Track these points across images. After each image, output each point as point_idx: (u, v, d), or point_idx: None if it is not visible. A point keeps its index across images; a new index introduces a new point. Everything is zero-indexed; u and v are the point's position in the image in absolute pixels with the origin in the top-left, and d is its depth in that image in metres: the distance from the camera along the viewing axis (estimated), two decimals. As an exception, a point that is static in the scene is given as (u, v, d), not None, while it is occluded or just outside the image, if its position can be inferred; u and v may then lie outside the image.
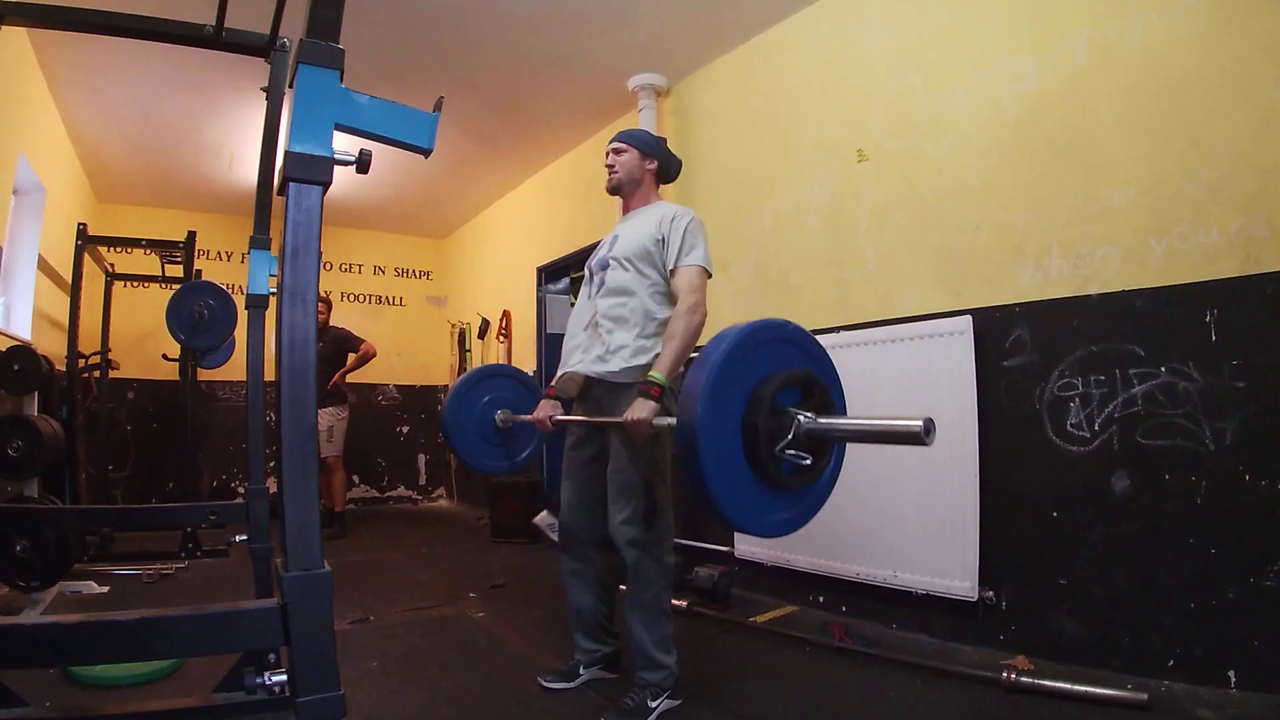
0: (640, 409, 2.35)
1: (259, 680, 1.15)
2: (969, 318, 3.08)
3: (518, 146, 6.18)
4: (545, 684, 2.77)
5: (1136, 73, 2.70)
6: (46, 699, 2.54)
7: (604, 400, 2.68)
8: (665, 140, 2.94)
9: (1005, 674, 2.60)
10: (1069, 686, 2.51)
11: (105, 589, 4.17)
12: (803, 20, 4.08)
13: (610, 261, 2.72)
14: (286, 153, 1.13)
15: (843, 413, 1.95)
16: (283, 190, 1.18)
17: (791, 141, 4.07)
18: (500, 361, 7.13)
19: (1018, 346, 2.98)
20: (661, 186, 2.92)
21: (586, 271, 2.86)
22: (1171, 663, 2.53)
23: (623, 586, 2.71)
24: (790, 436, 1.73)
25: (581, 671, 2.81)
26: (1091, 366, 2.76)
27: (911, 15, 3.49)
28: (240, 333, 4.91)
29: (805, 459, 1.78)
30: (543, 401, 2.94)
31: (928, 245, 3.34)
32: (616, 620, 2.86)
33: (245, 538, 2.68)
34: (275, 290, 2.59)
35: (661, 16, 4.17)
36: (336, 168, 1.19)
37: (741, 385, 1.73)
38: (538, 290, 6.63)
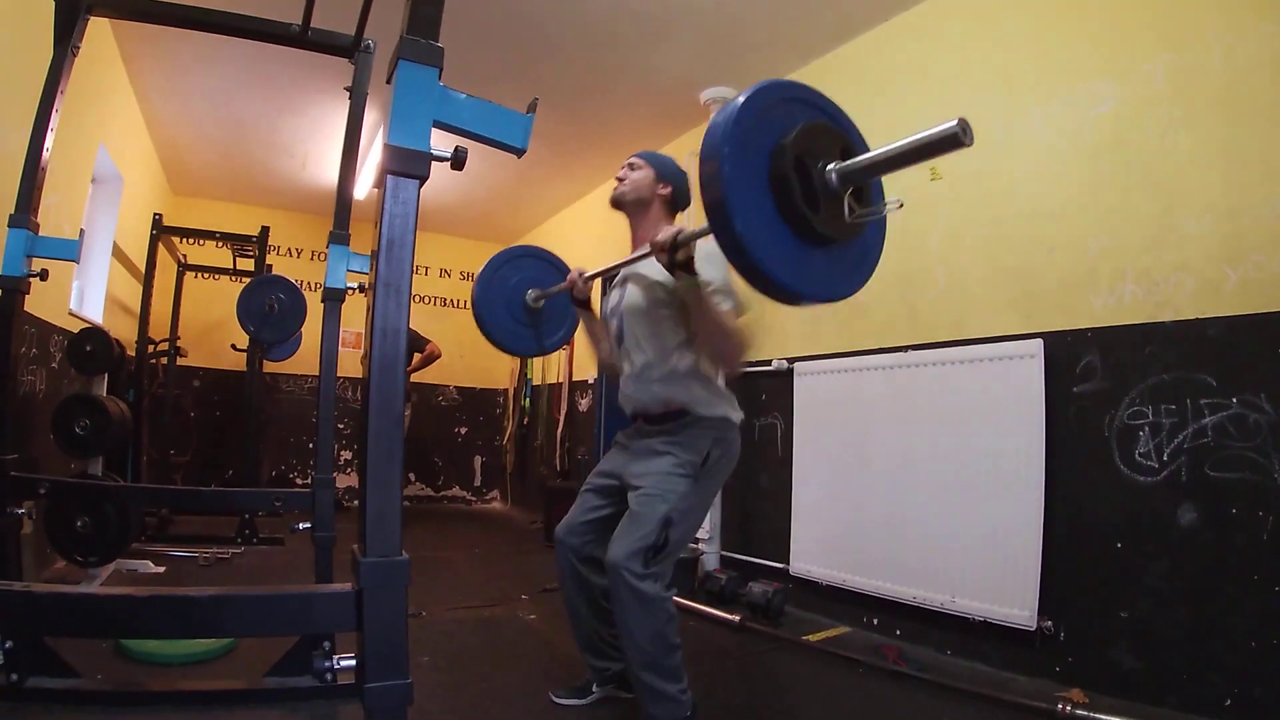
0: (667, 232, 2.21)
1: (328, 664, 1.21)
2: (1040, 341, 3.11)
3: (588, 155, 6.35)
4: (556, 699, 2.75)
5: (1214, 99, 2.73)
6: (99, 672, 2.66)
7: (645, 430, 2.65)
8: (687, 176, 2.80)
9: (1060, 705, 2.61)
10: (1121, 720, 2.51)
11: (161, 569, 4.38)
12: (878, 37, 4.18)
13: (625, 315, 2.67)
14: (386, 146, 1.19)
15: None
16: (378, 184, 1.25)
17: (864, 158, 4.13)
18: (561, 370, 7.30)
19: (1089, 372, 3.00)
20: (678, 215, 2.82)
21: (603, 311, 2.85)
22: (1229, 702, 2.52)
23: None
24: (821, 185, 1.66)
25: (595, 689, 2.77)
26: (1162, 395, 2.77)
27: (990, 35, 3.56)
28: (307, 328, 5.17)
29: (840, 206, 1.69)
30: (572, 271, 2.87)
31: (1000, 266, 3.39)
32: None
33: (309, 525, 2.83)
34: (352, 285, 2.78)
35: (736, 30, 4.30)
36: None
37: (762, 142, 1.65)
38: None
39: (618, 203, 2.77)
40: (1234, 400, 2.60)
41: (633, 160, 2.77)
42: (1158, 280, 2.83)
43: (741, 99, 1.64)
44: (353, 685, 2.57)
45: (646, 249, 2.39)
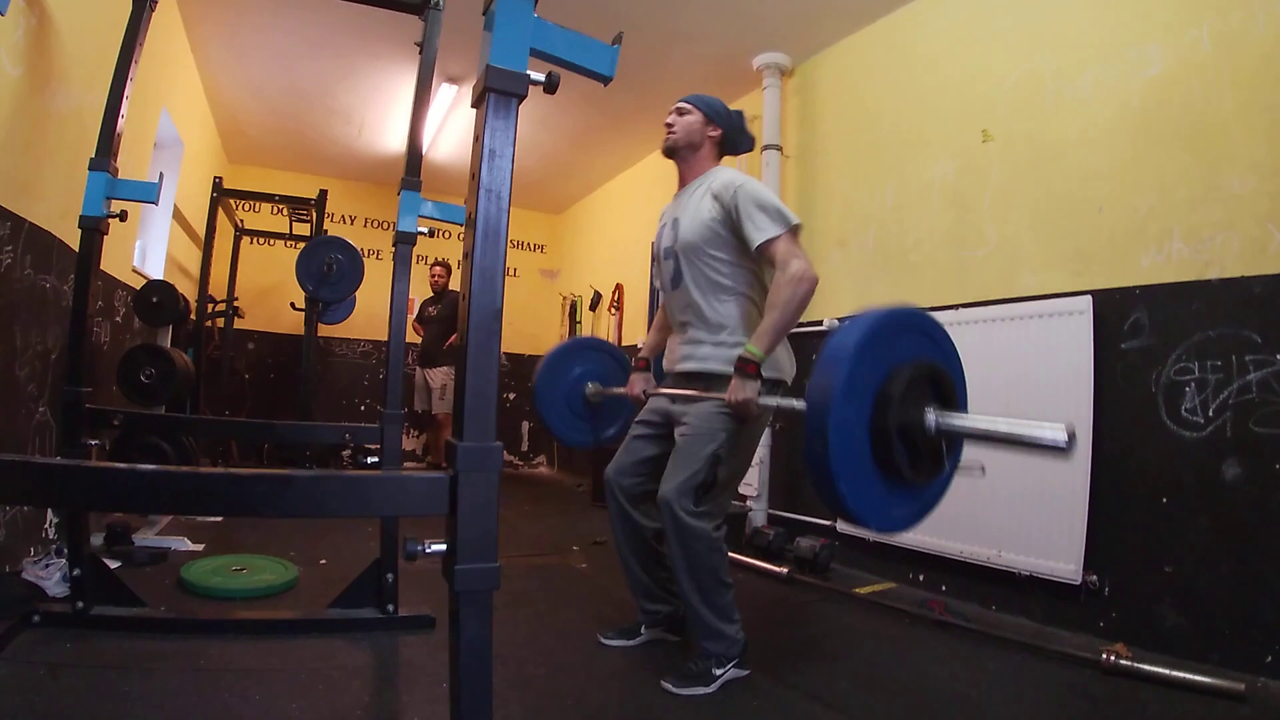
0: (743, 389, 2.35)
1: (420, 548, 1.32)
2: (1089, 298, 3.19)
3: (641, 122, 6.39)
4: (604, 640, 2.84)
5: (1259, 63, 2.78)
6: (162, 604, 2.87)
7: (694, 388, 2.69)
8: (742, 115, 2.87)
9: (1104, 655, 2.68)
10: (1166, 672, 2.57)
11: (219, 518, 4.59)
12: (932, 2, 4.25)
13: (675, 254, 2.71)
14: (488, 67, 1.29)
15: (963, 406, 1.90)
16: (478, 103, 1.34)
17: (915, 122, 4.25)
18: (611, 333, 7.46)
19: (1136, 329, 3.07)
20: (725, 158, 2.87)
21: (655, 248, 2.89)
22: (1270, 659, 2.58)
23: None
24: (919, 431, 1.68)
25: (643, 631, 2.86)
26: (1208, 352, 2.84)
27: (1041, 1, 3.62)
28: (361, 292, 5.37)
29: (933, 454, 1.72)
30: (634, 375, 3.02)
31: (1050, 226, 3.47)
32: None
33: (376, 460, 3.04)
34: (423, 230, 2.96)
35: (789, -3, 4.37)
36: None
37: (872, 377, 1.68)
38: (652, 265, 6.86)
39: (670, 151, 2.81)
40: (1278, 357, 2.65)
41: (680, 105, 2.80)
42: (1204, 239, 2.89)
43: (860, 334, 1.66)
44: (414, 616, 2.78)
45: (693, 201, 2.64)
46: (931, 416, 1.70)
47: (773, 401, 2.32)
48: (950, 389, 1.80)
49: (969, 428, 1.71)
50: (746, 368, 2.36)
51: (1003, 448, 1.69)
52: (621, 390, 3.07)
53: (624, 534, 2.81)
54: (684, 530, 2.44)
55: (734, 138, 2.82)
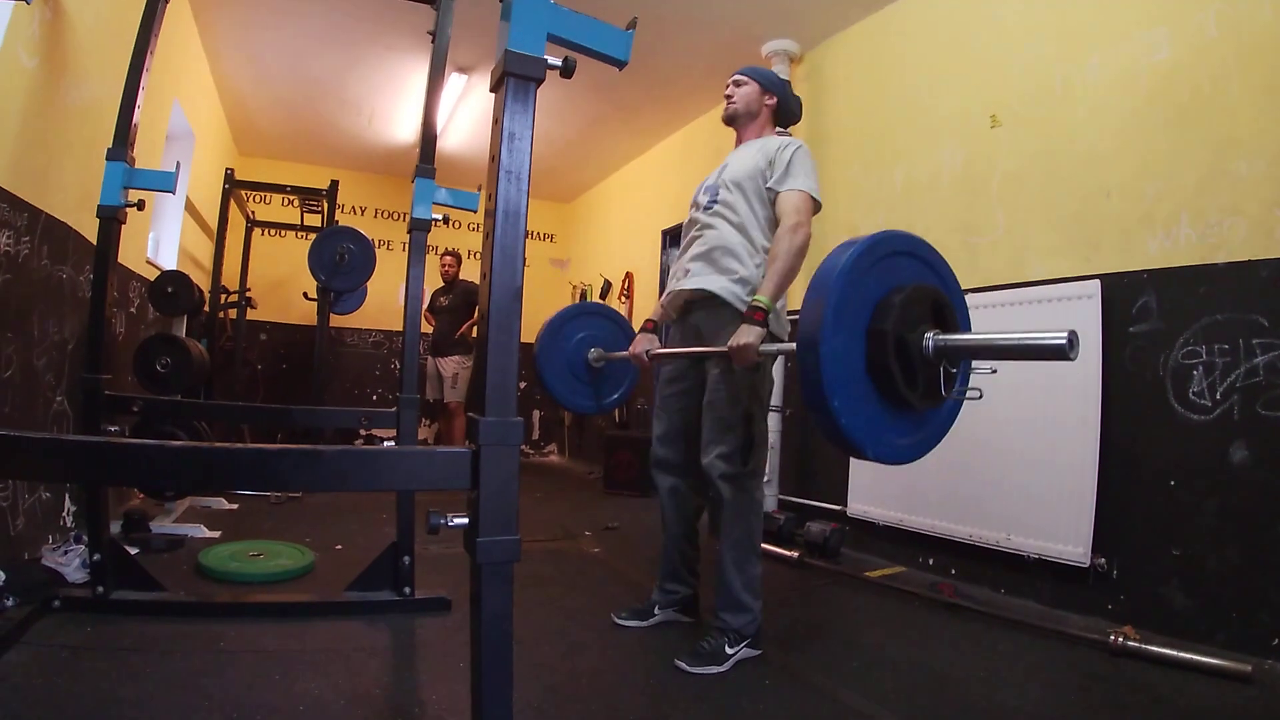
0: (745, 334, 2.38)
1: (442, 521, 1.35)
2: (1097, 282, 3.21)
3: (650, 110, 6.45)
4: (618, 620, 2.89)
5: (1266, 47, 2.78)
6: (181, 589, 2.92)
7: (703, 327, 2.75)
8: (789, 84, 2.96)
9: (1112, 637, 2.71)
10: (1173, 653, 2.61)
11: (235, 506, 4.71)
12: (941, -12, 4.25)
13: (720, 187, 2.78)
14: (506, 52, 1.32)
15: (965, 329, 1.89)
16: (496, 88, 1.37)
17: (924, 107, 4.26)
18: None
19: (1144, 313, 3.08)
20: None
21: (695, 197, 2.92)
22: (1277, 641, 2.59)
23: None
24: (918, 352, 1.70)
25: (656, 612, 2.92)
26: (1215, 335, 2.85)
27: (1045, -14, 3.63)
28: (373, 282, 5.40)
29: (933, 379, 1.74)
30: (640, 335, 3.01)
31: (1058, 211, 3.48)
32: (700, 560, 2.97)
33: (392, 444, 3.07)
34: (437, 217, 3.00)
35: (798, -19, 4.37)
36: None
37: (865, 300, 1.70)
38: (662, 254, 6.95)
39: (731, 119, 2.94)
40: (1285, 340, 2.67)
41: (737, 77, 2.94)
42: (1212, 223, 2.90)
43: (850, 255, 1.68)
44: (431, 599, 2.82)
45: (747, 151, 2.77)
46: (929, 338, 1.71)
47: (773, 347, 2.38)
48: (949, 311, 1.80)
49: (968, 343, 1.72)
50: (754, 315, 2.42)
51: (1007, 359, 1.69)
52: (624, 354, 3.07)
53: (674, 510, 2.91)
54: (739, 492, 2.57)
55: (789, 105, 2.97)
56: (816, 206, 2.65)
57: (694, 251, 2.81)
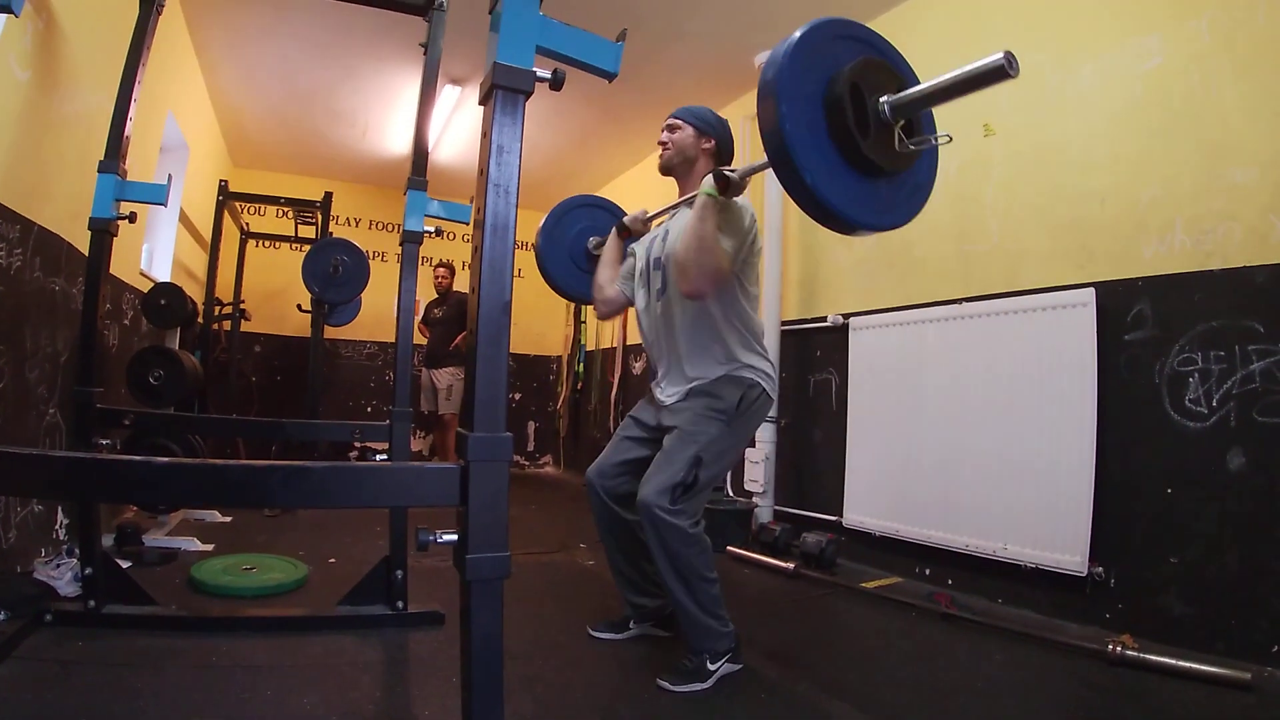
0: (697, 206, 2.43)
1: (431, 538, 1.34)
2: (1092, 290, 3.20)
3: (642, 121, 6.42)
4: (593, 633, 2.87)
5: (1258, 53, 2.79)
6: (173, 602, 2.89)
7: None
8: (727, 123, 2.91)
9: (1110, 646, 2.70)
10: (1172, 662, 2.59)
11: (229, 519, 4.69)
12: (931, -1, 4.26)
13: (664, 264, 2.74)
14: (495, 64, 1.31)
15: None
16: (485, 100, 1.36)
17: (918, 116, 4.22)
18: (615, 333, 7.51)
19: (1139, 320, 3.08)
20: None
21: (639, 263, 2.92)
22: (1276, 648, 2.58)
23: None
24: (874, 115, 1.76)
25: (632, 625, 2.88)
26: (1211, 342, 2.85)
27: (1042, -5, 3.64)
28: (367, 294, 5.38)
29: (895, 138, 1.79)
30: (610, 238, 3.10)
31: (1052, 219, 3.49)
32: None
33: (385, 456, 3.06)
34: (429, 229, 3.00)
35: (789, -7, 4.37)
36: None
37: (818, 79, 1.74)
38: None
39: (667, 169, 2.87)
40: (1281, 346, 2.67)
41: (670, 121, 2.85)
42: (1206, 230, 2.90)
43: (800, 32, 1.73)
44: (424, 613, 2.81)
45: (691, 195, 2.61)
46: (882, 100, 1.77)
47: (744, 169, 2.39)
48: (898, 77, 1.86)
49: (917, 94, 1.79)
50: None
51: (956, 95, 1.72)
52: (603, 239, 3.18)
53: (607, 529, 2.83)
54: (662, 529, 2.44)
55: (727, 146, 2.86)
56: (734, 261, 2.54)
57: (663, 368, 2.81)
